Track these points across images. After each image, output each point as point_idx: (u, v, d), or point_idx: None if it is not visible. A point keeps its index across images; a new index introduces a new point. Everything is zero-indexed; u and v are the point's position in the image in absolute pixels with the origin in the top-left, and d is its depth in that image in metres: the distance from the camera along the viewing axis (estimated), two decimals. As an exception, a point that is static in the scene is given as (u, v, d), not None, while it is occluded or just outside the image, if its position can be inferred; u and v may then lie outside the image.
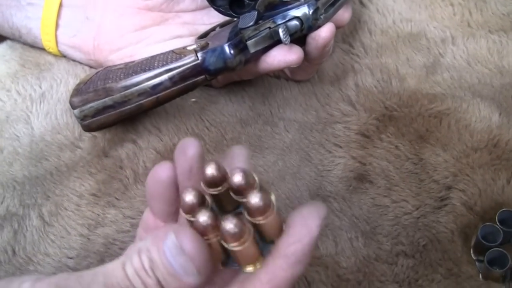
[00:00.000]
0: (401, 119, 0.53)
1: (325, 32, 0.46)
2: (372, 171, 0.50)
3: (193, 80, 0.48)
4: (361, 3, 0.63)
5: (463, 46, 0.59)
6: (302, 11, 0.45)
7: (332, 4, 0.47)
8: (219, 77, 0.51)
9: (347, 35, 0.60)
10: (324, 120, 0.54)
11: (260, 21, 0.46)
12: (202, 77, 0.48)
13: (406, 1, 0.63)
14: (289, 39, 0.46)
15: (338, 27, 0.48)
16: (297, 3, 0.45)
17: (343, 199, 0.48)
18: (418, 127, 0.52)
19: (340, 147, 0.51)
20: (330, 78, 0.57)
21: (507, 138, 0.52)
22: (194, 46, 0.48)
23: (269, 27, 0.46)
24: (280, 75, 0.56)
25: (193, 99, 0.55)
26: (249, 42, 0.46)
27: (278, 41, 0.47)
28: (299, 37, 0.47)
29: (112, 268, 0.29)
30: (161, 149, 0.52)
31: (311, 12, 0.45)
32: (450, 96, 0.55)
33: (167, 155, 0.52)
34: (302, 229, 0.29)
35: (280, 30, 0.45)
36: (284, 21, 0.45)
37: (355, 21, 0.61)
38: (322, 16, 0.46)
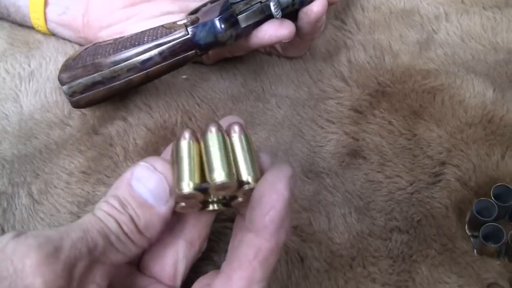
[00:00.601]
0: (395, 94, 0.52)
1: (317, 6, 0.45)
2: (365, 146, 0.49)
3: (183, 55, 0.47)
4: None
5: (456, 22, 0.59)
6: None
7: None
8: (210, 53, 0.50)
9: (339, 11, 0.59)
10: (316, 96, 0.53)
11: None
12: (192, 52, 0.47)
13: (399, -23, 0.62)
14: (280, 13, 0.45)
15: (330, 4, 0.47)
16: None
17: (336, 175, 0.48)
18: (412, 103, 0.52)
19: (333, 123, 0.51)
20: (322, 54, 0.57)
21: (501, 114, 0.51)
22: (185, 21, 0.47)
23: (260, 2, 0.45)
24: (271, 51, 0.55)
25: (184, 76, 0.54)
26: (240, 17, 0.46)
27: (270, 16, 0.46)
28: (290, 12, 0.47)
29: (85, 217, 0.30)
30: (152, 126, 0.52)
31: None
32: (444, 72, 0.54)
33: (158, 132, 0.51)
34: (272, 196, 0.29)
35: (272, 4, 0.44)
36: None
37: (346, -2, 0.61)
38: None
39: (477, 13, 0.59)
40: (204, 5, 0.51)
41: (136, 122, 0.52)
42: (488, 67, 0.55)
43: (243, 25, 0.46)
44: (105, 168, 0.50)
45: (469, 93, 0.52)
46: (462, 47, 0.57)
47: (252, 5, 0.46)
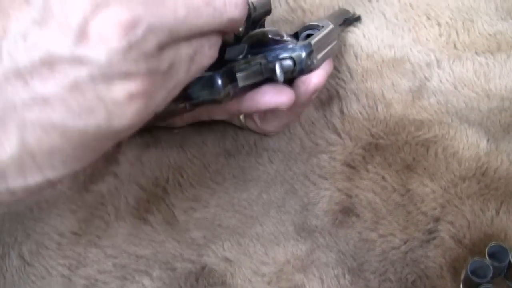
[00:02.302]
0: (388, 148, 0.52)
1: (317, 77, 0.44)
2: (359, 203, 0.49)
3: (172, 108, 0.46)
4: (346, 30, 0.62)
5: (449, 69, 0.59)
6: (296, 52, 0.42)
7: (324, 49, 0.46)
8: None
9: (333, 58, 0.59)
10: (308, 150, 0.53)
11: (248, 56, 0.44)
12: (182, 105, 0.45)
13: (389, 26, 0.62)
14: (283, 77, 0.43)
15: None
16: (290, 42, 0.43)
17: (329, 234, 0.47)
18: (405, 156, 0.51)
19: (326, 178, 0.50)
20: (315, 103, 0.56)
21: (495, 166, 0.51)
22: None
23: (260, 63, 0.43)
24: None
25: (176, 131, 0.54)
26: (239, 75, 0.42)
27: (267, 80, 0.43)
28: (286, 80, 0.44)
29: None
30: (144, 183, 0.51)
31: (305, 54, 0.42)
32: (437, 122, 0.54)
33: (149, 189, 0.51)
34: None
35: (277, 66, 0.42)
36: (278, 58, 0.42)
37: (340, 45, 0.60)
38: (315, 61, 0.43)
39: (470, 58, 0.59)
40: None
41: (127, 179, 0.52)
42: (482, 116, 0.55)
43: (241, 84, 0.42)
44: (96, 229, 0.49)
45: (462, 144, 0.52)
46: (455, 94, 0.57)
47: (251, 65, 0.43)
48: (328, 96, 0.56)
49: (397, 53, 0.60)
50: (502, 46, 0.61)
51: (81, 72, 0.27)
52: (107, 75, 0.27)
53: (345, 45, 0.60)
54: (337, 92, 0.56)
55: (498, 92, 0.57)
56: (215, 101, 0.42)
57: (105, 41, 0.26)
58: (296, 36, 0.57)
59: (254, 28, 0.45)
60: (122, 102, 0.28)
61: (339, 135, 0.53)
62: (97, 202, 0.51)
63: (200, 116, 0.50)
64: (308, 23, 0.53)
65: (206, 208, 0.50)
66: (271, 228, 0.48)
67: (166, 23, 0.28)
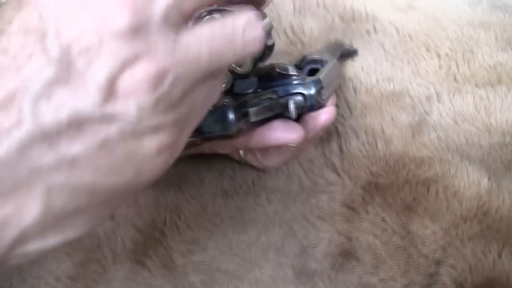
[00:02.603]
0: (388, 187, 0.51)
1: (327, 114, 0.43)
2: (359, 246, 0.48)
3: None
4: (344, 63, 0.61)
5: (449, 103, 0.58)
6: (306, 88, 0.41)
7: (330, 85, 0.45)
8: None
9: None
10: (307, 189, 0.52)
11: (258, 90, 0.43)
12: (192, 139, 0.42)
13: (388, 58, 0.61)
14: (295, 114, 0.41)
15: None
16: (299, 77, 0.43)
17: (329, 279, 0.47)
18: (405, 196, 0.51)
19: (325, 220, 0.50)
20: (314, 140, 0.56)
21: (497, 205, 0.50)
22: None
23: (271, 98, 0.42)
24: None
25: (173, 170, 0.53)
26: (251, 110, 0.40)
27: (278, 115, 0.42)
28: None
29: None
30: (141, 225, 0.51)
31: (315, 91, 0.41)
32: (438, 159, 0.53)
33: (147, 232, 0.50)
34: None
35: (291, 103, 0.41)
36: (289, 93, 0.41)
37: (340, 80, 0.60)
38: (324, 97, 0.42)
39: (470, 92, 0.58)
40: None
41: (124, 221, 0.51)
42: (483, 152, 0.54)
43: (252, 119, 0.41)
44: (93, 273, 0.49)
45: (463, 182, 0.51)
46: (456, 129, 0.56)
47: (262, 100, 0.42)
48: (327, 133, 0.56)
49: (396, 87, 0.59)
50: (503, 78, 0.60)
51: (111, 130, 0.25)
52: (137, 131, 0.26)
53: (344, 79, 0.60)
54: (336, 129, 0.56)
55: (499, 126, 0.56)
56: (227, 136, 0.41)
57: (135, 96, 0.25)
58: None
59: (261, 60, 0.44)
60: (152, 155, 0.27)
61: (338, 174, 0.53)
62: (94, 245, 0.50)
63: (203, 149, 0.49)
64: (309, 57, 0.52)
65: (204, 251, 0.49)
66: (270, 272, 0.48)
67: (191, 70, 0.28)
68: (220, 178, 0.54)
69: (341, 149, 0.54)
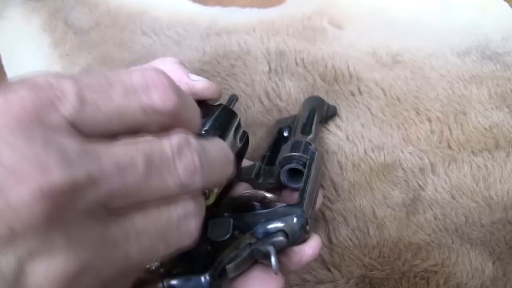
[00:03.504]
0: (384, 283, 0.46)
1: (312, 248, 0.37)
2: None
3: None
4: (328, 130, 0.56)
5: (444, 175, 0.53)
6: (288, 223, 0.35)
7: (313, 194, 0.40)
8: None
9: (315, 174, 0.53)
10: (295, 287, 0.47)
11: (235, 232, 0.36)
12: None
13: (376, 122, 0.56)
14: (278, 267, 0.35)
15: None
16: (280, 207, 0.37)
17: None
18: (404, 294, 0.46)
19: (316, 328, 0.44)
20: (300, 226, 0.50)
21: (504, 298, 0.45)
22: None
23: (250, 243, 0.36)
24: None
25: None
26: (228, 267, 0.35)
27: (256, 261, 0.36)
28: None
29: None
30: None
31: (298, 226, 0.35)
32: (436, 245, 0.48)
33: None
34: None
35: (272, 257, 0.34)
36: (268, 238, 0.35)
37: (322, 152, 0.54)
38: (308, 228, 0.37)
39: (466, 160, 0.54)
40: None
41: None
42: (485, 232, 0.49)
43: (231, 275, 0.35)
44: None
45: (466, 271, 0.46)
46: (453, 206, 0.51)
47: (241, 250, 0.35)
48: (313, 220, 0.50)
49: (387, 157, 0.54)
50: (500, 142, 0.55)
51: None
52: None
53: (327, 152, 0.54)
54: (323, 214, 0.51)
55: (500, 200, 0.52)
56: None
57: None
58: (277, 142, 0.51)
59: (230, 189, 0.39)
60: None
61: (328, 269, 0.47)
62: None
63: None
64: (286, 154, 0.46)
65: None
66: None
67: (116, 266, 0.23)
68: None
69: (329, 240, 0.49)
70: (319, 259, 0.48)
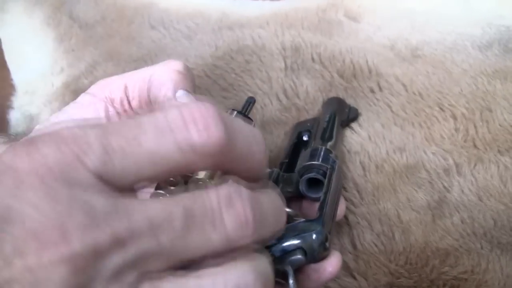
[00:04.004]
0: (412, 292, 0.44)
1: (333, 265, 0.35)
2: None
3: None
4: (350, 127, 0.54)
5: (470, 176, 0.51)
6: (306, 241, 0.33)
7: (333, 206, 0.37)
8: None
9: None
10: (319, 298, 0.45)
11: None
12: None
13: (397, 121, 0.54)
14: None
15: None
16: (298, 225, 0.34)
17: None
18: (433, 303, 0.44)
19: None
20: (321, 231, 0.48)
21: (538, 307, 0.43)
22: None
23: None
24: None
25: None
26: None
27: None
28: None
29: None
30: None
31: (318, 244, 0.34)
32: (465, 250, 0.46)
33: None
34: None
35: (290, 278, 0.32)
36: (286, 256, 0.33)
37: (344, 152, 0.52)
38: (328, 245, 0.35)
39: (493, 160, 0.51)
40: None
41: None
42: (515, 236, 0.47)
43: None
44: None
45: (497, 279, 0.45)
46: (481, 208, 0.49)
47: None
48: (336, 225, 0.48)
49: (409, 159, 0.52)
50: (527, 140, 0.53)
51: None
52: None
53: (349, 152, 0.52)
54: (347, 219, 0.49)
55: (530, 201, 0.50)
56: None
57: None
58: (296, 147, 0.49)
59: None
60: None
61: (353, 277, 0.45)
62: None
63: None
64: (306, 161, 0.44)
65: None
66: None
67: None
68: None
69: (354, 246, 0.47)
70: (343, 265, 0.46)
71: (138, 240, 0.20)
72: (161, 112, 0.23)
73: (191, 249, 0.22)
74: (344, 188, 0.50)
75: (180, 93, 0.37)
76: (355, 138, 0.53)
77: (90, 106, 0.39)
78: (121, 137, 0.22)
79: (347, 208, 0.49)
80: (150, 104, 0.39)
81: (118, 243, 0.20)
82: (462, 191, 0.50)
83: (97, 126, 0.22)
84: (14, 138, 0.37)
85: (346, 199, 0.50)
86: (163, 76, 0.38)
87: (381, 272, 0.46)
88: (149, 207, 0.21)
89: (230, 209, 0.23)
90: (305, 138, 0.51)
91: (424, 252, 0.46)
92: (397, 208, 0.49)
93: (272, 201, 0.26)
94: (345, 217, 0.49)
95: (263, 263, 0.25)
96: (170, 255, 0.21)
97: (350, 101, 0.56)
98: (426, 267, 0.46)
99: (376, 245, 0.47)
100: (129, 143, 0.22)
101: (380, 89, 0.57)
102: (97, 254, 0.20)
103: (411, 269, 0.46)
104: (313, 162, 0.43)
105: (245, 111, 0.44)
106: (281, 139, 0.54)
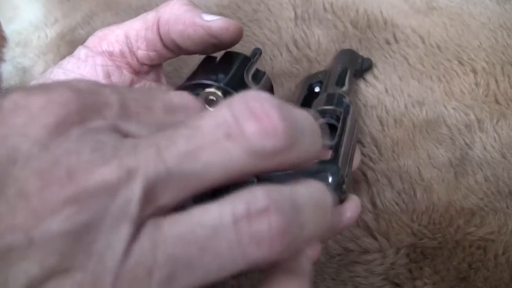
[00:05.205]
0: (437, 253, 0.41)
1: (350, 210, 0.32)
2: (411, 337, 0.38)
3: None
4: (366, 81, 0.50)
5: (493, 132, 0.48)
6: (322, 181, 0.31)
7: (348, 155, 0.34)
8: None
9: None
10: (337, 259, 0.42)
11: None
12: None
13: (415, 74, 0.51)
14: None
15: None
16: (312, 167, 0.31)
17: None
18: (459, 264, 0.41)
19: (365, 302, 0.40)
20: (337, 189, 0.45)
21: None
22: None
23: None
24: None
25: None
26: None
27: None
28: None
29: None
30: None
31: (334, 184, 0.31)
32: (491, 210, 0.44)
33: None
34: None
35: None
36: None
37: (359, 106, 0.49)
38: (345, 187, 0.32)
39: (516, 116, 0.49)
40: None
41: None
42: (541, 195, 0.45)
43: None
44: None
45: (525, 240, 0.42)
46: (505, 166, 0.46)
47: None
48: (355, 181, 0.45)
49: (429, 113, 0.49)
50: (552, 95, 0.50)
51: None
52: None
53: (365, 105, 0.49)
54: (365, 175, 0.45)
55: (556, 159, 0.47)
56: None
57: None
58: (307, 100, 0.46)
59: None
60: None
61: (374, 237, 0.43)
62: None
63: None
64: (320, 106, 0.41)
65: None
66: None
67: None
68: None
69: (374, 204, 0.44)
70: (363, 225, 0.43)
71: (146, 169, 0.18)
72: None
73: (206, 168, 0.19)
74: (361, 143, 0.47)
75: (208, 16, 0.34)
76: (371, 91, 0.50)
77: (87, 60, 0.36)
78: (139, 103, 0.21)
79: (365, 164, 0.46)
80: (164, 49, 0.36)
81: (128, 177, 0.18)
82: (485, 147, 0.48)
83: (114, 87, 0.21)
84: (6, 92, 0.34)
85: (364, 155, 0.47)
86: (176, 11, 0.35)
87: (403, 233, 0.43)
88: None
89: (251, 118, 0.19)
90: (316, 90, 0.48)
91: (447, 211, 0.44)
92: (417, 165, 0.46)
93: (306, 117, 0.22)
94: (363, 173, 0.46)
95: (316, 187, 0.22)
96: (181, 181, 0.19)
97: (364, 52, 0.53)
98: (451, 227, 0.43)
99: (397, 204, 0.44)
100: (144, 109, 0.21)
101: (396, 40, 0.54)
102: (105, 191, 0.18)
103: (434, 230, 0.43)
104: (326, 107, 0.39)
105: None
106: (291, 92, 0.50)
